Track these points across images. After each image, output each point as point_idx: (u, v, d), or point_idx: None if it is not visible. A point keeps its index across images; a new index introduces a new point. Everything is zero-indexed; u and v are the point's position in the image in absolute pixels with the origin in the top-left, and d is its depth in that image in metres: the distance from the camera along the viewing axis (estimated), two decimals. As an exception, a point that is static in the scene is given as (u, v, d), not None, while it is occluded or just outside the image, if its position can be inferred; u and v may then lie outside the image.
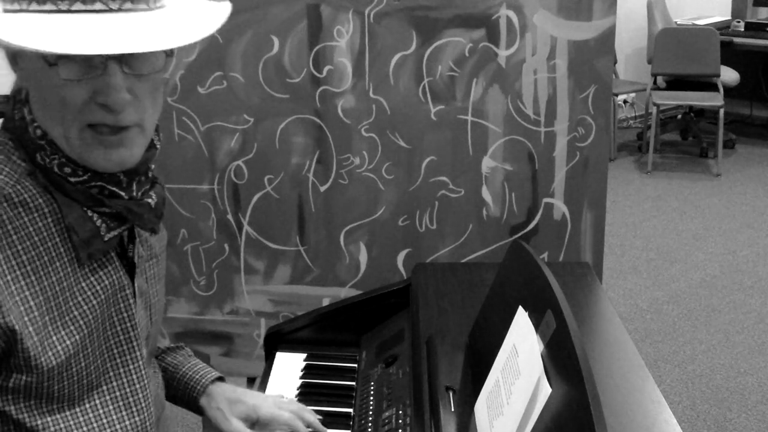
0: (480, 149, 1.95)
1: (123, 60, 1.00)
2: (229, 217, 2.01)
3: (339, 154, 1.96)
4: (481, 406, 1.20)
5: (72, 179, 1.04)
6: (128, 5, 0.99)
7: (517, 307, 1.19)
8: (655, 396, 1.30)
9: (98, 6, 0.97)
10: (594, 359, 1.37)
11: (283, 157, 1.97)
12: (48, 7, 0.97)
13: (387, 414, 1.36)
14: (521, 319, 1.17)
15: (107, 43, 0.94)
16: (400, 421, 1.32)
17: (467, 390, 1.29)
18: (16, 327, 0.99)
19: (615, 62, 5.92)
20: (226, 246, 2.03)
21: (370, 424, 1.38)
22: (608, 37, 1.89)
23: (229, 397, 1.37)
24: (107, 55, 0.98)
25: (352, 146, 1.96)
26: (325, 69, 1.91)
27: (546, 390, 1.02)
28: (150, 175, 1.14)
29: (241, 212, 2.01)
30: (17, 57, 1.04)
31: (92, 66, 0.99)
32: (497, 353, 1.21)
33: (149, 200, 1.11)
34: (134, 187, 1.09)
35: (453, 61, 1.90)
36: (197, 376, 1.38)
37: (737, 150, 6.19)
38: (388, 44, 1.90)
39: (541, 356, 1.07)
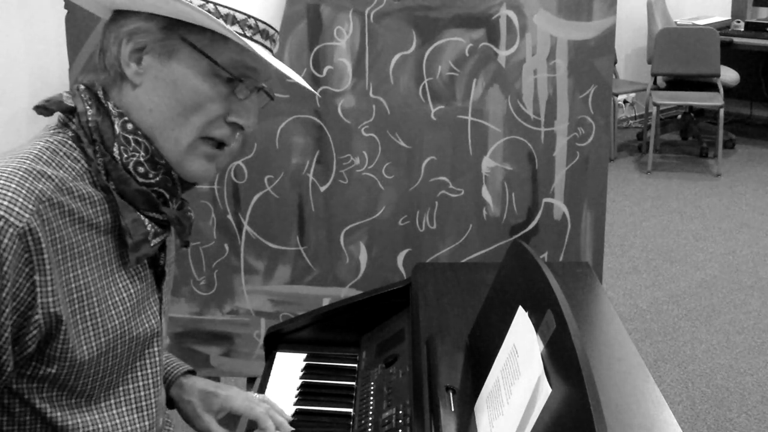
0: (480, 149, 1.95)
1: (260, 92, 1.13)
2: (229, 217, 2.01)
3: (339, 154, 1.96)
4: (481, 406, 1.20)
5: (140, 179, 1.08)
6: (273, 48, 1.13)
7: (517, 307, 1.19)
8: (655, 396, 1.30)
9: (267, 42, 1.10)
10: (594, 359, 1.37)
11: (283, 157, 1.97)
12: (236, 28, 1.06)
13: (387, 414, 1.36)
14: (521, 319, 1.17)
15: (290, 73, 1.11)
16: (400, 421, 1.32)
17: (467, 390, 1.29)
18: (63, 317, 1.01)
19: (615, 62, 5.92)
20: (226, 246, 2.03)
21: (370, 424, 1.38)
22: (608, 37, 1.89)
23: (201, 389, 1.37)
24: (256, 85, 1.11)
25: (352, 146, 1.96)
26: (325, 69, 1.91)
27: (546, 390, 1.02)
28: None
29: (241, 212, 2.01)
30: (151, 55, 1.07)
31: (251, 89, 1.10)
32: (497, 353, 1.21)
33: (190, 214, 1.17)
34: (174, 201, 1.14)
35: (453, 61, 1.90)
36: (169, 368, 1.38)
37: (737, 150, 6.19)
38: (388, 44, 1.90)
39: (541, 356, 1.07)
